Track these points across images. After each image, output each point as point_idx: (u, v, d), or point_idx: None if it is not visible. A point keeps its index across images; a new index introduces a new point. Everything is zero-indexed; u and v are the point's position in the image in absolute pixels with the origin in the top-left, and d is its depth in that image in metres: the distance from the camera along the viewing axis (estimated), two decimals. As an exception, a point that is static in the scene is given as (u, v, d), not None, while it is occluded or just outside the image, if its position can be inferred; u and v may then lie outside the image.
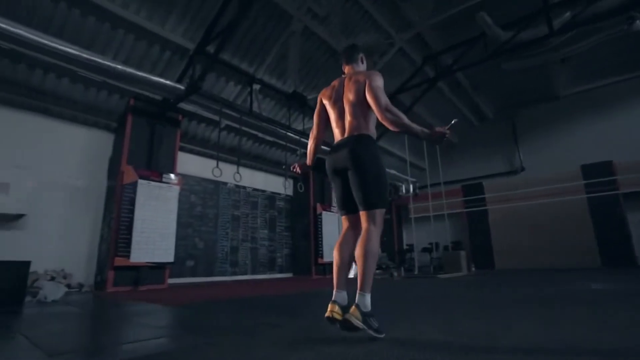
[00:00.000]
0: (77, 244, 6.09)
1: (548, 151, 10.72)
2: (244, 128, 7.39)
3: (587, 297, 3.30)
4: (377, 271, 9.88)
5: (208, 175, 6.48)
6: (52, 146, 6.04)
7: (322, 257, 9.56)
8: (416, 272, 8.75)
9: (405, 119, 1.87)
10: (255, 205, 9.62)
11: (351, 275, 7.25)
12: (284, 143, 8.16)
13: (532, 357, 1.36)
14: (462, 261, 8.48)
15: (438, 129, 1.91)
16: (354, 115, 2.02)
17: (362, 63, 2.25)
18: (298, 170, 2.36)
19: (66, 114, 6.24)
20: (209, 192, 8.54)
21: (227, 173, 6.98)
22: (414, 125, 1.88)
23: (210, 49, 5.99)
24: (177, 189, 6.72)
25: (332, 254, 7.63)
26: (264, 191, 9.91)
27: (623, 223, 9.00)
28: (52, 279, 5.25)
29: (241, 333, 1.97)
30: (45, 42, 4.76)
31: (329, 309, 1.78)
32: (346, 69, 2.23)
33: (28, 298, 3.87)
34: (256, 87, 7.57)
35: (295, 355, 1.45)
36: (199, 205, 8.30)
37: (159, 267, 6.24)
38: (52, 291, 3.83)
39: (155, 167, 6.54)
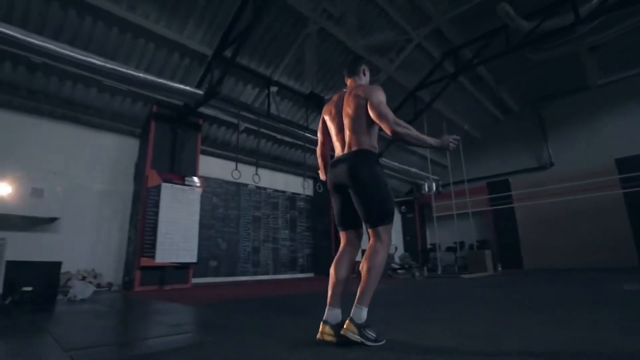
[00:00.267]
0: (107, 245, 6.38)
1: (579, 145, 10.20)
2: (262, 130, 7.50)
3: (617, 299, 3.13)
4: (400, 271, 9.77)
5: (229, 177, 6.62)
6: (82, 153, 6.36)
7: (343, 257, 9.54)
8: (439, 272, 8.56)
9: (414, 130, 1.84)
10: (276, 206, 9.74)
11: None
12: (302, 144, 8.21)
13: (536, 361, 1.31)
14: (487, 261, 8.22)
15: (450, 141, 1.86)
16: (352, 130, 1.97)
17: (364, 75, 2.20)
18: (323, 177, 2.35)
19: (94, 122, 6.56)
20: (231, 194, 8.72)
21: (248, 175, 7.09)
22: (425, 137, 1.84)
23: (228, 53, 6.13)
24: (198, 191, 6.91)
25: None
26: (284, 192, 10.01)
27: (664, 219, 8.44)
28: (83, 278, 5.54)
29: (249, 333, 2.00)
30: (74, 54, 5.04)
31: (319, 331, 1.75)
32: (348, 82, 2.19)
33: (60, 296, 4.11)
34: (273, 89, 7.67)
35: (295, 356, 1.47)
36: (221, 207, 8.49)
37: (183, 267, 6.44)
38: (81, 290, 4.05)
39: (178, 170, 6.75)
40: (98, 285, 5.80)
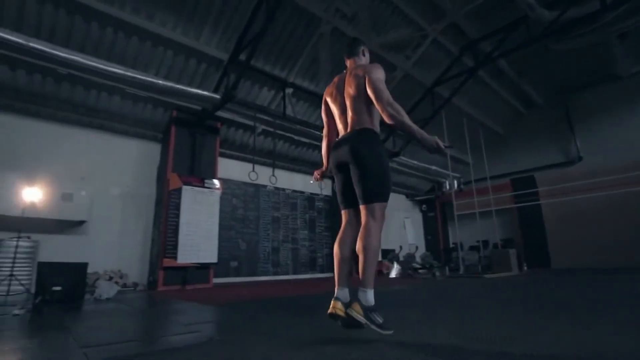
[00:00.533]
0: (132, 247, 6.64)
1: (610, 137, 9.68)
2: (278, 131, 7.58)
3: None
4: (421, 270, 9.62)
5: (248, 179, 6.75)
6: (108, 158, 6.64)
7: (362, 256, 9.49)
8: (461, 272, 8.37)
9: (405, 116, 1.81)
10: (294, 206, 9.80)
11: (392, 275, 7.12)
12: (319, 144, 8.24)
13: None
14: (511, 260, 7.96)
15: (437, 141, 1.82)
16: (354, 110, 1.99)
17: (364, 56, 2.20)
18: (318, 177, 2.38)
19: (118, 128, 6.84)
20: (250, 195, 8.85)
21: (266, 176, 7.18)
22: (413, 125, 1.81)
23: (242, 57, 6.23)
24: (218, 193, 7.07)
25: None
26: (302, 192, 10.06)
27: None
28: (110, 278, 5.79)
29: (257, 332, 2.04)
30: (97, 64, 5.29)
31: (331, 306, 1.78)
32: (348, 63, 2.20)
33: (88, 296, 4.31)
34: (289, 90, 7.74)
35: (296, 355, 1.48)
36: (241, 208, 8.63)
37: (204, 267, 6.61)
38: (106, 290, 4.24)
39: (198, 173, 6.93)
40: (124, 285, 6.05)
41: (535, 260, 9.95)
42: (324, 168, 2.34)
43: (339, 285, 1.89)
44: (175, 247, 6.26)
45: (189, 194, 6.63)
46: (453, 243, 12.48)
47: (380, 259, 10.03)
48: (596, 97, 10.06)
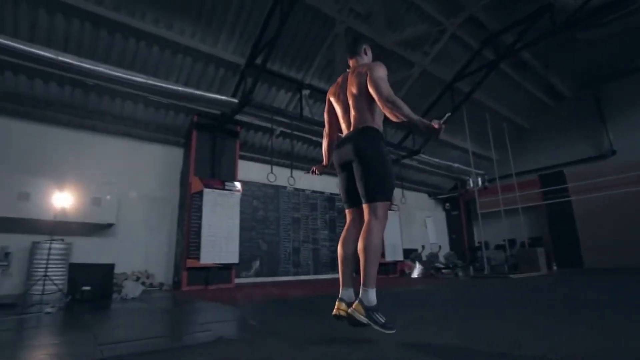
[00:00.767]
0: (158, 248, 6.89)
1: (646, 129, 9.14)
2: (296, 133, 7.65)
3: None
4: (445, 270, 9.43)
5: (268, 180, 6.85)
6: (134, 163, 6.92)
7: (384, 256, 9.40)
8: (486, 272, 8.12)
9: (406, 109, 1.79)
10: (314, 207, 9.85)
11: (414, 275, 7.01)
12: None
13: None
14: (539, 259, 7.65)
15: (435, 123, 1.79)
16: (357, 108, 1.99)
17: (367, 55, 2.20)
18: (316, 172, 2.41)
19: (143, 134, 7.12)
20: (270, 197, 8.98)
21: (286, 177, 7.25)
22: (415, 116, 1.79)
23: (259, 61, 6.34)
24: (238, 195, 7.22)
25: (394, 254, 7.51)
26: (322, 192, 10.09)
27: None
28: (137, 279, 6.03)
29: (267, 331, 2.08)
30: (121, 75, 5.54)
31: (335, 307, 1.81)
32: (351, 63, 2.20)
33: (115, 295, 4.53)
34: (305, 92, 7.79)
35: (299, 354, 1.51)
36: (261, 209, 8.76)
37: (226, 267, 6.76)
38: (132, 290, 4.43)
39: (219, 176, 7.10)
40: (150, 285, 6.30)
41: (565, 259, 9.51)
42: (324, 163, 2.36)
43: (343, 285, 1.91)
44: (198, 248, 6.44)
45: (210, 196, 6.81)
46: (478, 242, 12.14)
47: (402, 258, 9.91)
48: (629, 86, 9.50)
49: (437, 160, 10.12)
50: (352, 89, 2.02)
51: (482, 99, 9.54)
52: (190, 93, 6.24)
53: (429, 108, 9.29)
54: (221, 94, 6.70)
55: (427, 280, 7.15)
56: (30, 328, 2.45)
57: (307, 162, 9.66)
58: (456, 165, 10.59)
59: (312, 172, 2.44)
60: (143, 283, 6.05)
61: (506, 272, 7.93)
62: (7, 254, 5.22)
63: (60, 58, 5.03)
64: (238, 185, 7.27)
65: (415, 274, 8.83)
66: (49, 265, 4.77)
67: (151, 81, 5.85)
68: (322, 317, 2.69)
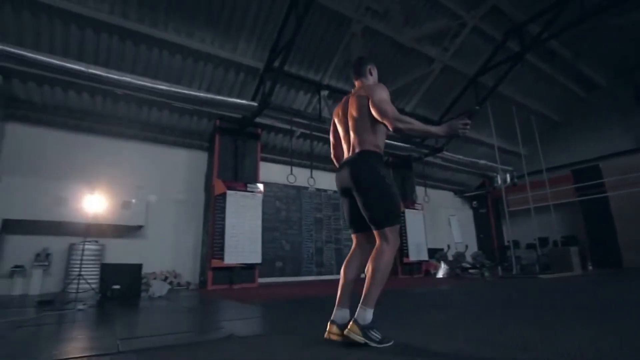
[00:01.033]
0: (185, 249, 7.16)
1: (692, 118, 8.47)
2: (315, 133, 7.71)
3: None
4: (472, 271, 9.17)
5: (291, 181, 6.96)
6: (161, 168, 7.23)
7: (407, 256, 9.29)
8: (514, 272, 7.83)
9: (417, 124, 1.77)
10: (336, 207, 9.86)
11: (440, 275, 6.88)
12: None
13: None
14: (573, 259, 7.28)
15: (457, 123, 1.73)
16: (356, 131, 1.97)
17: (371, 75, 2.16)
18: None
19: (169, 140, 7.42)
20: (292, 197, 9.09)
21: (307, 178, 7.32)
22: (430, 127, 1.78)
23: (277, 64, 6.44)
24: (260, 196, 7.36)
25: (418, 253, 7.44)
26: (344, 193, 10.08)
27: None
28: (166, 278, 6.30)
29: (277, 330, 2.14)
30: (147, 83, 5.82)
31: (327, 330, 1.78)
32: (356, 84, 2.17)
33: (144, 294, 4.76)
34: (324, 93, 7.83)
35: (301, 353, 1.54)
36: (284, 210, 8.89)
37: (249, 267, 6.92)
38: (159, 288, 4.64)
39: (241, 178, 7.28)
40: (178, 285, 6.55)
41: (603, 259, 8.97)
42: None
43: (338, 305, 1.87)
44: (222, 248, 6.63)
45: (233, 198, 6.99)
46: (508, 241, 11.72)
47: (426, 258, 9.72)
48: (672, 72, 8.85)
49: (461, 157, 9.86)
50: (352, 111, 1.99)
51: (508, 93, 9.21)
52: (212, 98, 6.45)
53: (452, 104, 9.08)
54: (241, 98, 6.87)
55: (451, 281, 6.99)
56: (62, 323, 2.64)
57: (328, 162, 9.69)
58: (482, 161, 10.27)
59: None
60: (171, 282, 6.31)
61: (536, 273, 7.61)
62: (47, 255, 5.62)
63: (91, 70, 5.35)
64: (260, 186, 7.42)
65: (440, 274, 8.65)
66: (84, 265, 5.10)
67: (175, 88, 6.11)
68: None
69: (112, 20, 5.51)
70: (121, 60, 6.02)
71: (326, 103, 7.98)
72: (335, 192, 9.88)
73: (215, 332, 2.09)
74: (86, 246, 5.36)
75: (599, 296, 3.61)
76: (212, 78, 6.88)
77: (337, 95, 8.15)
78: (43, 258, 5.57)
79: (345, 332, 1.69)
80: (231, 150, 7.37)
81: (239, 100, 6.67)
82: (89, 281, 4.80)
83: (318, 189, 9.40)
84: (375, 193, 1.83)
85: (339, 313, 1.84)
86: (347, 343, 1.68)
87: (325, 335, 1.78)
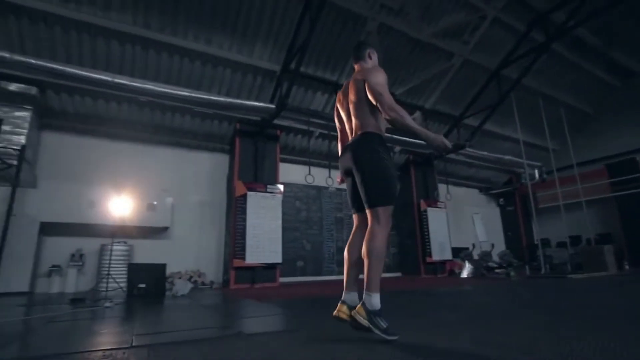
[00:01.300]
0: (208, 249, 7.39)
1: None
2: (332, 133, 7.73)
3: None
4: (499, 270, 8.89)
5: (309, 181, 7.03)
6: (184, 171, 7.50)
7: (430, 255, 9.13)
8: (543, 271, 7.51)
9: (408, 118, 1.79)
10: (357, 206, 9.84)
11: (464, 275, 6.76)
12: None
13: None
14: (607, 257, 6.90)
15: (444, 140, 1.80)
16: (356, 115, 2.01)
17: (371, 59, 2.20)
18: (339, 180, 2.43)
19: (192, 144, 7.68)
20: (312, 198, 9.16)
21: (325, 178, 7.35)
22: (417, 126, 1.80)
23: (293, 66, 6.52)
24: (280, 197, 7.47)
25: (441, 252, 7.36)
26: (365, 192, 10.04)
27: None
28: (190, 277, 6.53)
29: (285, 328, 2.20)
30: (170, 90, 6.04)
31: (337, 309, 1.85)
32: (356, 68, 2.21)
33: (168, 292, 4.97)
34: (341, 93, 7.82)
35: (301, 352, 1.58)
36: (304, 210, 8.97)
37: (270, 267, 7.04)
38: (182, 287, 4.83)
39: (261, 179, 7.42)
40: (202, 284, 6.77)
41: (641, 258, 8.46)
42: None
43: (346, 288, 1.93)
44: (243, 248, 6.79)
45: (253, 199, 7.14)
46: (540, 239, 11.25)
47: (450, 257, 9.50)
48: None
49: (485, 153, 9.57)
50: (351, 96, 2.04)
51: (533, 85, 8.85)
52: (231, 102, 6.61)
53: (474, 99, 8.83)
54: (260, 101, 7.00)
55: (475, 281, 6.82)
56: (89, 319, 2.82)
57: (348, 161, 9.68)
58: (507, 157, 9.92)
59: (341, 181, 2.46)
60: (195, 282, 6.54)
61: (567, 272, 7.28)
62: (81, 255, 5.97)
63: (116, 80, 5.63)
64: (280, 187, 7.53)
65: (464, 273, 8.44)
66: (114, 265, 5.38)
67: (195, 94, 6.31)
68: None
69: (135, 31, 5.78)
70: (145, 68, 6.29)
71: (344, 103, 7.97)
72: (355, 191, 9.88)
73: (226, 329, 2.17)
74: (115, 247, 5.66)
75: (631, 297, 3.42)
76: (231, 82, 7.05)
77: (355, 94, 8.14)
78: (77, 258, 5.92)
79: (352, 312, 1.73)
80: (251, 152, 7.52)
81: (256, 103, 6.80)
82: (118, 280, 5.07)
83: (338, 189, 9.38)
84: (373, 172, 1.88)
85: (348, 296, 1.91)
86: (353, 324, 1.71)
87: (335, 312, 1.85)
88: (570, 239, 8.77)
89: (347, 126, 2.15)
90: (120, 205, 5.55)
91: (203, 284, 6.75)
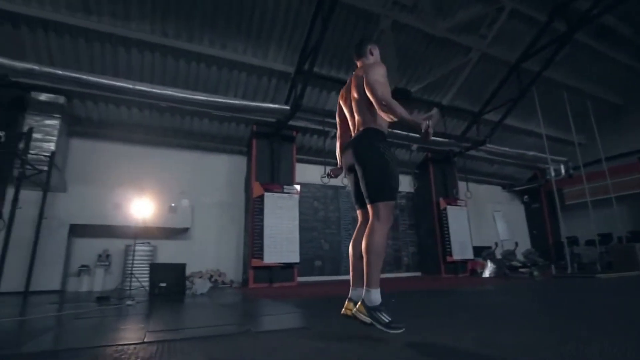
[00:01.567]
0: (228, 249, 7.56)
1: None
2: (348, 133, 7.71)
3: None
4: (523, 270, 8.61)
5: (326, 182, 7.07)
6: (204, 173, 7.71)
7: (451, 254, 8.96)
8: (569, 271, 7.22)
9: (399, 109, 1.79)
10: (375, 205, 9.78)
11: (486, 274, 6.61)
12: (391, 140, 8.11)
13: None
14: (639, 256, 6.57)
15: (426, 124, 1.73)
16: (358, 111, 2.03)
17: (372, 55, 2.20)
18: (332, 175, 2.48)
19: (210, 146, 7.88)
20: (330, 197, 9.19)
21: (341, 178, 7.38)
22: (407, 116, 1.78)
23: (307, 67, 6.57)
24: (296, 197, 7.54)
25: (462, 252, 7.24)
26: (383, 191, 9.97)
27: None
28: (211, 277, 6.71)
29: (293, 326, 2.24)
30: (188, 95, 6.22)
31: (344, 306, 1.88)
32: (358, 64, 2.22)
33: (188, 291, 5.13)
34: (356, 92, 7.80)
35: (302, 349, 1.62)
36: (322, 210, 9.02)
37: (288, 266, 7.12)
38: (201, 286, 4.98)
39: (277, 180, 7.52)
40: (222, 283, 6.94)
41: (679, 256, 7.96)
42: (338, 166, 2.39)
43: (353, 285, 1.95)
44: (261, 248, 6.90)
45: (270, 200, 7.24)
46: (567, 237, 10.81)
47: (471, 256, 9.29)
48: None
49: (507, 149, 9.29)
50: (353, 92, 2.06)
51: (556, 78, 8.52)
52: (247, 105, 6.74)
53: (494, 94, 8.60)
54: (275, 103, 7.09)
55: (496, 281, 6.64)
56: (111, 316, 2.97)
57: (365, 161, 9.64)
58: (531, 153, 9.59)
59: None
60: (215, 281, 6.70)
61: (596, 271, 6.97)
62: (107, 256, 6.26)
63: (137, 87, 5.86)
64: (296, 187, 7.59)
65: (486, 273, 8.23)
66: (138, 265, 5.62)
67: (213, 98, 6.48)
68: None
69: (154, 39, 5.99)
70: (164, 75, 6.51)
71: (359, 102, 7.95)
72: (373, 190, 9.83)
73: (235, 327, 2.23)
74: (139, 247, 5.90)
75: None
76: (247, 85, 7.18)
77: (370, 93, 8.10)
78: (104, 258, 6.21)
79: (353, 311, 1.75)
80: (268, 153, 7.63)
81: (272, 105, 6.90)
82: (141, 279, 5.28)
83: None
84: (373, 167, 1.89)
85: (354, 292, 1.93)
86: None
87: (342, 310, 1.88)
88: (599, 236, 8.38)
89: (350, 122, 2.18)
90: (143, 207, 5.78)
91: (223, 283, 6.91)
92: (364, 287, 1.79)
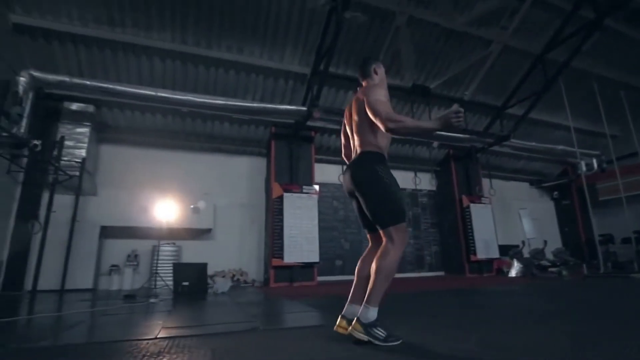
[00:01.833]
0: (250, 249, 7.73)
1: None
2: (366, 132, 7.68)
3: None
4: (553, 269, 8.28)
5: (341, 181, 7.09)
6: (225, 175, 7.91)
7: (475, 253, 8.73)
8: (601, 270, 6.86)
9: (409, 121, 1.75)
10: (396, 204, 9.68)
11: (512, 274, 6.42)
12: (410, 138, 8.01)
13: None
14: (680, 254, 6.15)
15: (448, 115, 1.65)
16: (358, 133, 2.00)
17: (376, 74, 2.17)
18: None
19: (231, 149, 8.08)
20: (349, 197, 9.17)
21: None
22: (423, 123, 1.74)
23: (322, 68, 6.60)
24: (315, 197, 7.60)
25: (487, 251, 7.13)
26: (404, 189, 9.86)
27: None
28: (233, 276, 6.89)
29: (300, 325, 2.29)
30: (207, 100, 6.40)
31: (337, 323, 1.86)
32: (363, 84, 2.19)
33: (210, 290, 5.30)
34: (373, 90, 7.76)
35: (300, 347, 1.66)
36: (341, 210, 9.03)
37: (308, 266, 7.19)
38: (221, 285, 5.13)
39: (296, 180, 7.60)
40: (244, 282, 7.11)
41: None
42: None
43: (350, 301, 1.93)
44: (281, 248, 7.01)
45: (289, 200, 7.33)
46: (601, 235, 10.26)
47: (497, 255, 9.01)
48: None
49: (533, 144, 8.94)
50: (354, 114, 2.04)
51: (585, 67, 8.11)
52: (264, 107, 6.86)
53: (517, 87, 8.30)
54: (292, 104, 7.18)
55: (522, 280, 6.43)
56: (135, 313, 3.13)
57: (385, 159, 9.56)
58: (560, 147, 9.18)
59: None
60: (237, 280, 6.88)
61: (632, 271, 6.59)
62: (136, 256, 6.55)
63: (160, 94, 6.10)
64: (315, 188, 7.65)
65: (513, 272, 7.97)
66: (163, 265, 5.85)
67: (232, 102, 6.64)
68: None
69: (174, 47, 6.23)
70: (184, 81, 6.74)
71: (376, 100, 7.90)
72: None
73: (244, 324, 2.31)
74: (164, 247, 6.15)
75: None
76: (264, 88, 7.31)
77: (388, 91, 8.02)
78: (132, 258, 6.51)
79: (349, 330, 1.73)
80: (286, 154, 7.73)
81: (289, 107, 6.99)
82: (166, 278, 5.51)
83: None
84: (375, 194, 1.85)
85: (349, 308, 1.91)
86: (356, 340, 1.71)
87: (335, 327, 1.86)
88: (636, 234, 7.91)
89: (352, 142, 2.14)
90: (167, 209, 6.02)
91: (245, 282, 7.07)
92: (363, 304, 1.75)
